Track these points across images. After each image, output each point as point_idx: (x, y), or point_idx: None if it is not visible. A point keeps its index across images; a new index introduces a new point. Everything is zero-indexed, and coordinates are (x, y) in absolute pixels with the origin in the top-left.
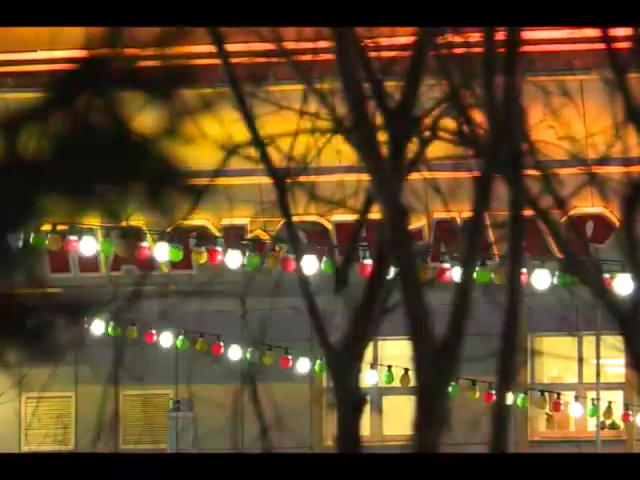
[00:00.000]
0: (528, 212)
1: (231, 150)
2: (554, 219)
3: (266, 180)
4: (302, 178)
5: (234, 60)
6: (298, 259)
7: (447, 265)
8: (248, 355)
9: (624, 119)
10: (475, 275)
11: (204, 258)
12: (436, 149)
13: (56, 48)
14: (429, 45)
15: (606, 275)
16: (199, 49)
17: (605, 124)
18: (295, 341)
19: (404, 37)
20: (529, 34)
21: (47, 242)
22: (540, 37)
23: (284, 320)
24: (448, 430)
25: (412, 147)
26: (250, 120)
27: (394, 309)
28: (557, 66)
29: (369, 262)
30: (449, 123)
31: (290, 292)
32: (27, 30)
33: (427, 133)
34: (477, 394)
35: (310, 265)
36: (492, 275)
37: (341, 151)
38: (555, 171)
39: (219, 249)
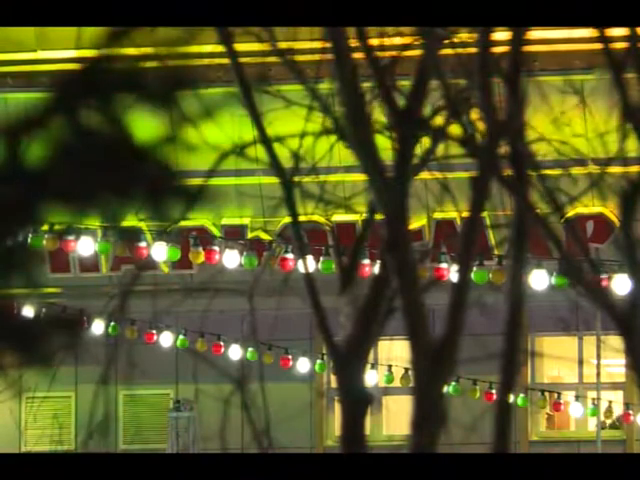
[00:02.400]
0: (530, 213)
1: (234, 150)
2: (553, 220)
3: (267, 180)
4: (307, 178)
5: (240, 59)
6: (303, 258)
7: (446, 265)
8: (249, 354)
9: (623, 119)
10: (472, 275)
11: (201, 258)
12: (439, 149)
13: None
14: (437, 45)
15: (605, 275)
16: (200, 49)
17: (605, 124)
18: (296, 340)
19: (408, 37)
20: (529, 34)
21: (46, 242)
22: (539, 37)
23: (285, 319)
24: (445, 429)
25: (419, 147)
26: (256, 119)
27: (399, 309)
28: (558, 66)
29: (374, 262)
30: (453, 123)
31: (293, 291)
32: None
33: (434, 133)
34: (478, 394)
35: (313, 265)
36: (490, 275)
37: (344, 151)
38: (556, 172)
39: (217, 249)
